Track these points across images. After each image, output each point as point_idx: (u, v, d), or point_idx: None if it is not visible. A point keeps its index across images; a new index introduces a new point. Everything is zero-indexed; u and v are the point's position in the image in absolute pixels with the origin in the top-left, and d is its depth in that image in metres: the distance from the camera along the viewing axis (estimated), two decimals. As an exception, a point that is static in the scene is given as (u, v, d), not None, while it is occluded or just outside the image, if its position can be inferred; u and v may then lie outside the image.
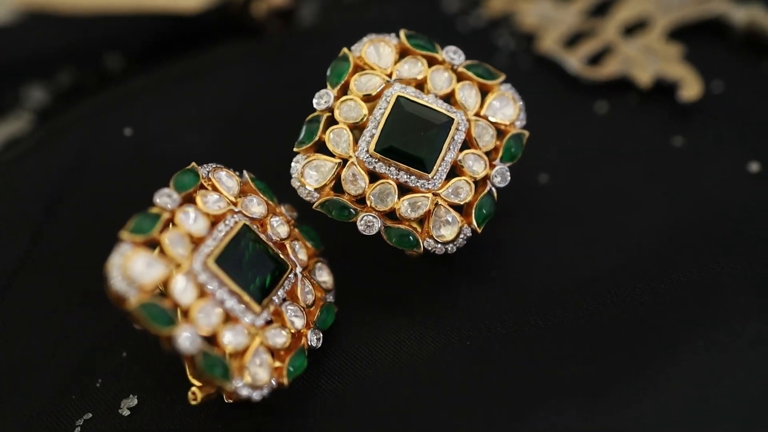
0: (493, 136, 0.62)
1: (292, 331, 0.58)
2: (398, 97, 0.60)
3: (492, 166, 0.61)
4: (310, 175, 0.60)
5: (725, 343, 0.57)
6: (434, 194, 0.60)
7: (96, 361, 0.63)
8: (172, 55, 0.82)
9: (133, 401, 0.61)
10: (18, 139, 0.79)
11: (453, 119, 0.60)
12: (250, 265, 0.57)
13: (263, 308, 0.57)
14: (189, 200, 0.57)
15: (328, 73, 0.62)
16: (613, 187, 0.69)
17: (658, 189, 0.68)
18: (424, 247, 0.60)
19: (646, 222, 0.66)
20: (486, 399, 0.57)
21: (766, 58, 0.75)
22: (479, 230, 0.60)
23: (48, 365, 0.63)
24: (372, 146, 0.60)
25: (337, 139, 0.60)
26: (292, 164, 0.60)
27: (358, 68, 0.62)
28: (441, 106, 0.61)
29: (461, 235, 0.60)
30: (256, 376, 0.56)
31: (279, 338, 0.57)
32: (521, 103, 0.63)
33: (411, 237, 0.60)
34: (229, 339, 0.55)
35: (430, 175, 0.60)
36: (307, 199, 0.60)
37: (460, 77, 0.62)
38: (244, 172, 0.61)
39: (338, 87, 0.61)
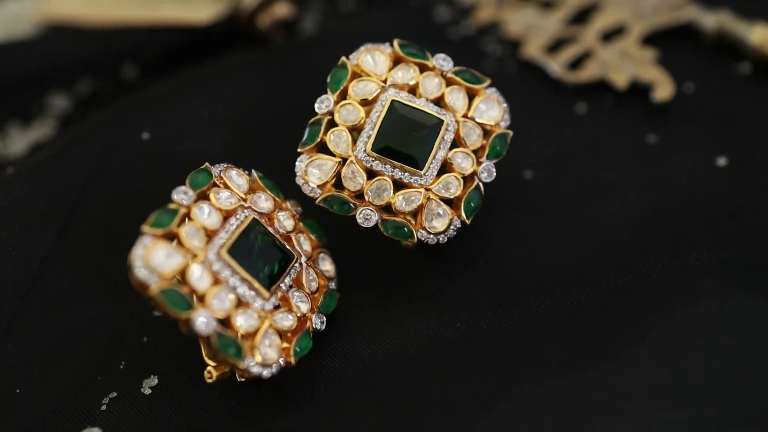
0: (479, 136, 0.62)
1: (298, 315, 0.59)
2: (393, 101, 0.61)
3: (479, 163, 0.62)
4: (312, 173, 0.61)
5: (691, 322, 0.58)
6: (426, 189, 0.61)
7: (119, 345, 0.64)
8: (183, 65, 0.82)
9: (154, 381, 0.62)
10: (43, 143, 0.79)
11: (443, 121, 0.61)
12: (259, 255, 0.58)
13: (272, 294, 0.58)
14: (203, 197, 0.59)
15: (328, 79, 0.62)
16: (592, 182, 0.69)
17: (633, 182, 0.69)
18: (417, 237, 0.61)
19: (621, 213, 0.67)
20: (474, 375, 0.59)
21: (734, 60, 0.76)
22: (468, 222, 0.61)
23: (75, 349, 0.63)
24: (369, 146, 0.60)
25: (338, 140, 0.61)
26: (297, 163, 0.61)
27: (356, 75, 0.63)
28: (432, 109, 0.62)
29: (451, 227, 0.61)
30: (266, 356, 0.57)
31: (286, 321, 0.58)
32: (506, 105, 0.63)
33: (406, 229, 0.60)
34: (241, 322, 0.56)
35: (422, 172, 0.60)
36: (311, 195, 0.61)
37: (449, 82, 0.63)
38: (253, 171, 0.62)
39: (338, 92, 0.62)
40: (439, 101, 0.63)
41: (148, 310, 0.65)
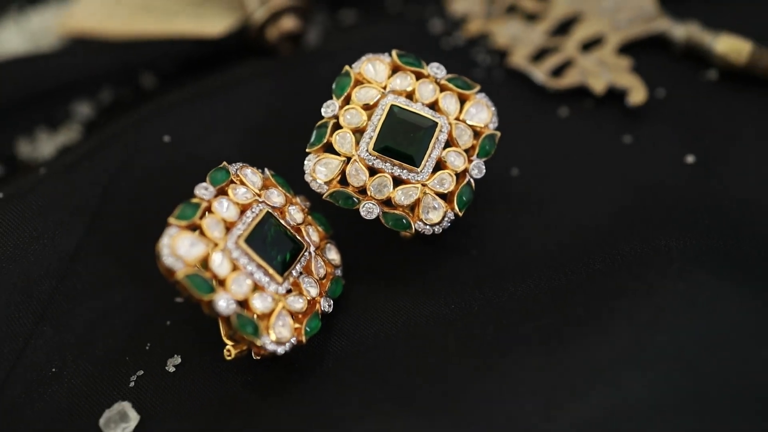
0: (470, 137, 0.63)
1: (308, 298, 0.61)
2: (392, 105, 0.62)
3: (470, 161, 0.63)
4: (320, 171, 0.62)
5: (661, 300, 0.60)
6: (423, 185, 0.62)
7: (145, 328, 0.65)
8: (198, 75, 0.83)
9: (177, 360, 0.64)
10: (69, 147, 0.80)
11: (437, 123, 0.62)
12: (273, 244, 0.60)
13: (284, 279, 0.60)
14: (222, 192, 0.60)
15: (333, 86, 0.64)
16: (573, 178, 0.71)
17: (609, 178, 0.70)
18: (415, 228, 0.62)
19: (599, 206, 0.68)
20: (467, 350, 0.60)
21: (701, 68, 0.77)
22: (460, 214, 0.62)
23: (105, 332, 0.65)
24: (371, 146, 0.62)
25: (342, 140, 0.62)
26: (305, 162, 0.63)
27: (358, 82, 0.64)
28: (427, 113, 0.63)
29: (446, 219, 0.62)
30: (280, 334, 0.59)
31: (298, 304, 0.60)
32: (494, 108, 0.64)
33: (404, 220, 0.62)
34: (258, 304, 0.58)
35: (419, 169, 0.62)
36: (318, 191, 0.62)
37: (443, 88, 0.64)
38: (266, 169, 0.64)
39: (342, 98, 0.63)
40: (433, 105, 0.64)
41: (171, 296, 0.67)
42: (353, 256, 0.67)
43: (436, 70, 0.65)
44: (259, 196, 0.62)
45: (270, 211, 0.61)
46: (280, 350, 0.59)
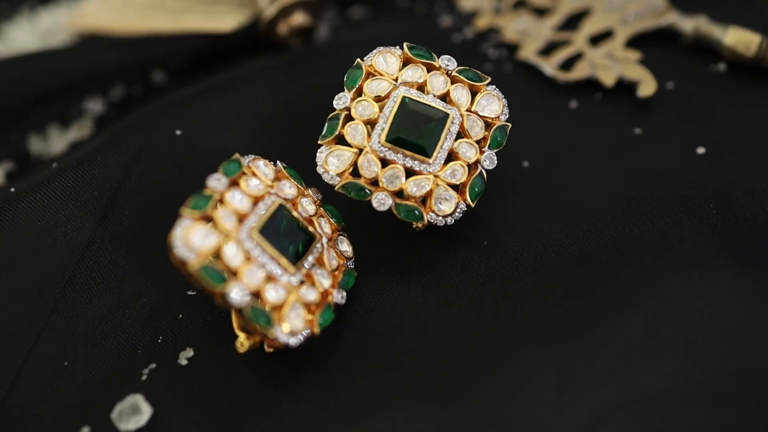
0: (482, 128, 0.63)
1: (321, 290, 0.61)
2: (403, 97, 0.62)
3: (482, 152, 0.63)
4: (332, 162, 0.62)
5: (674, 289, 0.60)
6: (435, 176, 0.62)
7: (157, 321, 0.65)
8: (209, 69, 0.84)
9: (190, 353, 0.64)
10: (81, 142, 0.80)
11: (449, 114, 0.62)
12: (285, 235, 0.60)
13: (297, 270, 0.60)
14: (235, 184, 0.60)
15: (345, 79, 0.64)
16: (583, 169, 0.70)
17: (619, 169, 0.70)
18: (427, 220, 0.62)
19: (609, 196, 0.68)
20: (479, 342, 0.60)
21: (710, 60, 0.77)
22: (473, 205, 0.62)
23: (117, 325, 0.65)
24: (383, 137, 0.62)
25: (354, 132, 0.62)
26: (317, 154, 0.63)
27: (370, 75, 0.64)
28: (439, 104, 0.63)
29: (458, 210, 0.62)
30: (293, 325, 0.59)
31: (311, 295, 0.60)
32: (504, 100, 0.64)
33: (416, 212, 0.62)
34: (271, 295, 0.58)
35: (431, 160, 0.62)
36: (330, 182, 0.62)
37: (454, 80, 0.64)
38: (278, 161, 0.64)
39: (353, 90, 0.64)
40: (445, 97, 0.64)
41: (183, 289, 0.67)
42: (365, 247, 0.67)
43: (447, 62, 0.65)
44: (272, 188, 0.62)
45: (282, 202, 0.61)
46: (293, 342, 0.59)
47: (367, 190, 0.62)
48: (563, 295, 0.62)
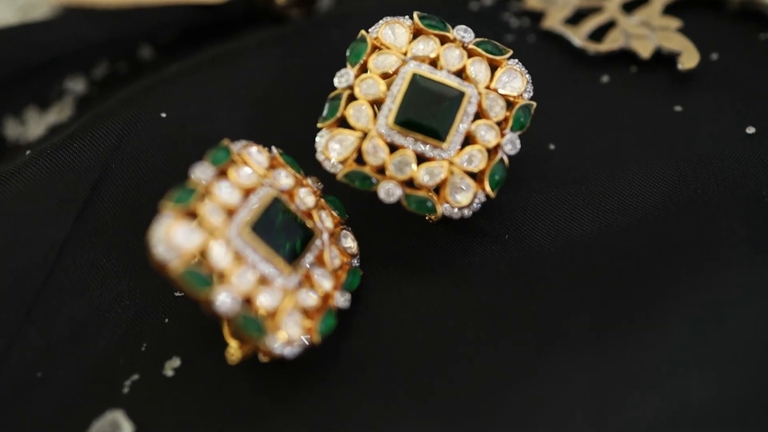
0: (503, 108, 0.62)
1: (322, 292, 0.59)
2: (413, 73, 0.61)
3: (503, 135, 0.61)
4: (333, 148, 0.60)
5: (722, 292, 0.58)
6: (449, 162, 0.60)
7: (140, 327, 0.63)
8: (200, 44, 0.82)
9: (176, 362, 0.62)
10: (63, 124, 0.79)
11: (465, 92, 0.61)
12: (281, 232, 0.58)
13: (294, 271, 0.58)
14: (223, 174, 0.58)
15: (348, 53, 0.62)
16: (616, 152, 0.68)
17: (658, 151, 0.68)
18: (441, 212, 0.60)
19: (647, 182, 0.66)
20: (501, 349, 0.59)
21: (759, 28, 0.75)
22: (493, 195, 0.61)
23: (97, 332, 0.63)
24: (390, 119, 0.60)
25: (358, 114, 0.61)
26: (317, 139, 0.61)
27: (376, 48, 0.62)
28: (453, 81, 0.61)
29: (476, 200, 0.61)
30: (289, 334, 0.57)
31: (309, 299, 0.58)
32: (528, 76, 0.63)
33: (429, 203, 0.60)
34: (264, 300, 0.56)
35: (444, 145, 0.60)
36: (332, 171, 0.61)
37: (471, 54, 0.62)
38: (273, 147, 0.62)
39: (357, 66, 0.62)
40: (460, 73, 0.62)
41: (169, 290, 0.64)
42: (372, 243, 0.65)
43: (463, 33, 0.63)
44: (266, 177, 0.60)
45: (277, 194, 0.59)
46: (290, 352, 0.57)
47: (374, 179, 0.61)
48: (597, 297, 0.60)
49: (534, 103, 0.63)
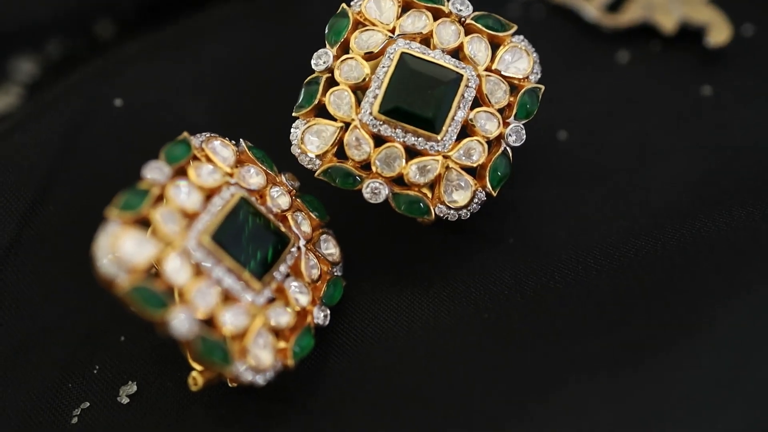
0: (506, 92, 0.61)
1: (297, 308, 0.57)
2: (402, 53, 0.59)
3: (506, 124, 0.60)
4: (310, 141, 0.59)
5: (760, 307, 0.56)
6: (444, 157, 0.59)
7: (92, 346, 0.62)
8: (164, 19, 0.80)
9: (133, 388, 0.60)
10: (6, 114, 0.78)
11: (462, 75, 0.59)
12: (250, 239, 0.56)
13: (265, 286, 0.56)
14: (181, 173, 0.56)
15: (327, 31, 0.61)
16: (638, 141, 0.68)
17: (685, 141, 0.67)
18: (435, 213, 0.59)
19: (673, 176, 0.65)
20: (505, 375, 0.57)
21: None
22: (494, 193, 0.60)
23: (42, 352, 0.62)
24: (376, 107, 0.59)
25: (338, 101, 0.59)
26: (292, 130, 0.60)
27: (359, 24, 0.61)
28: (449, 62, 0.60)
29: (475, 200, 0.59)
30: (259, 359, 0.55)
31: (283, 317, 0.56)
32: (535, 55, 0.62)
33: (421, 204, 0.59)
34: (229, 320, 0.54)
35: (439, 137, 0.59)
36: (309, 166, 0.59)
37: (469, 30, 0.61)
38: (241, 140, 0.60)
39: (338, 45, 0.60)
40: (457, 53, 0.61)
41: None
42: (357, 249, 0.64)
43: (460, 6, 0.62)
44: (231, 176, 0.58)
45: (245, 195, 0.57)
46: (260, 379, 0.55)
47: (357, 177, 0.60)
48: (616, 313, 0.58)
49: (542, 87, 0.61)
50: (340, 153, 0.60)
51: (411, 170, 0.58)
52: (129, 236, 0.53)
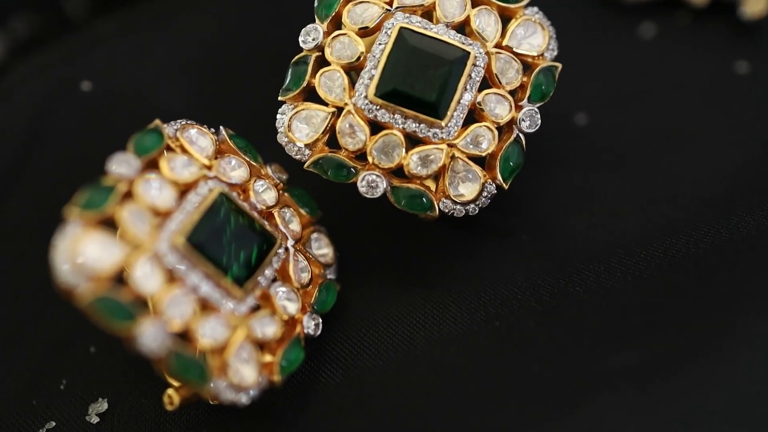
0: (518, 72, 0.58)
1: (284, 317, 0.55)
2: (401, 28, 0.57)
3: (518, 108, 0.58)
4: (299, 128, 0.57)
5: None
6: (449, 145, 0.57)
7: (60, 358, 0.61)
8: None
9: (103, 406, 0.59)
10: None
11: (469, 53, 0.57)
12: (231, 240, 0.54)
13: (247, 292, 0.54)
14: (152, 166, 0.54)
15: (316, 3, 0.59)
16: (665, 126, 0.66)
17: (718, 126, 0.65)
18: (439, 209, 0.57)
19: (704, 165, 0.64)
20: (520, 393, 0.54)
21: None
22: (506, 186, 0.57)
23: (6, 366, 0.61)
24: (372, 90, 0.56)
25: (330, 83, 0.57)
26: (278, 116, 0.57)
27: None
28: (453, 38, 0.57)
29: (484, 193, 0.57)
30: (241, 376, 0.52)
31: (268, 328, 0.54)
32: (551, 29, 0.59)
33: (424, 198, 0.57)
34: (206, 333, 0.52)
35: (443, 122, 0.56)
36: (297, 157, 0.57)
37: (476, 2, 0.59)
38: (221, 128, 0.58)
39: (329, 20, 0.58)
40: (463, 27, 0.59)
41: None
42: (351, 249, 0.62)
43: None
44: (210, 168, 0.55)
45: (225, 190, 0.55)
46: (243, 398, 0.53)
47: (351, 169, 0.57)
48: (640, 317, 0.55)
49: (559, 65, 0.59)
50: (332, 142, 0.57)
51: (412, 160, 0.56)
52: (92, 239, 0.50)
